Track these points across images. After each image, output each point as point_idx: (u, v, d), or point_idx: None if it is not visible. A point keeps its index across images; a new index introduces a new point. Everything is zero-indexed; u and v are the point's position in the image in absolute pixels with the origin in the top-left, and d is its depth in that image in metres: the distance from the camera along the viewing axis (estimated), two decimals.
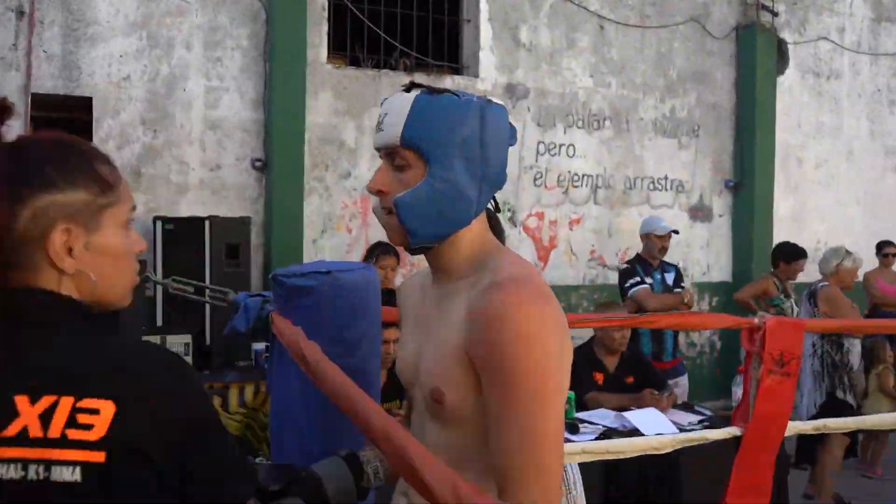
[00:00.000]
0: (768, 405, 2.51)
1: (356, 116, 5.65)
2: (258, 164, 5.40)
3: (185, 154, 5.26)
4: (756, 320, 2.60)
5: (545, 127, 6.20)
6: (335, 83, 5.61)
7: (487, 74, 6.01)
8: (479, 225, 1.20)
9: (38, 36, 4.88)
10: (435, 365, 1.16)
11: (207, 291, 2.88)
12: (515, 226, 6.12)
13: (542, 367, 1.06)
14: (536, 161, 6.19)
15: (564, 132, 6.27)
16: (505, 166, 1.19)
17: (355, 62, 5.85)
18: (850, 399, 4.61)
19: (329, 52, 5.66)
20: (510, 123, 1.20)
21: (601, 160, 6.42)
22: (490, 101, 1.19)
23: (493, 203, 1.23)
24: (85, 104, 5.03)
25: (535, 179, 6.19)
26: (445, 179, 1.14)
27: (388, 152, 1.17)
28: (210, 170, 5.33)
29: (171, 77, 5.20)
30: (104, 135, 5.06)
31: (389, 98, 1.20)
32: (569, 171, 6.30)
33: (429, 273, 1.31)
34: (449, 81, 5.91)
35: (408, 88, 1.18)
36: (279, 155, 5.32)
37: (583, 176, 6.35)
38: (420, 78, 5.82)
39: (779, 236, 6.95)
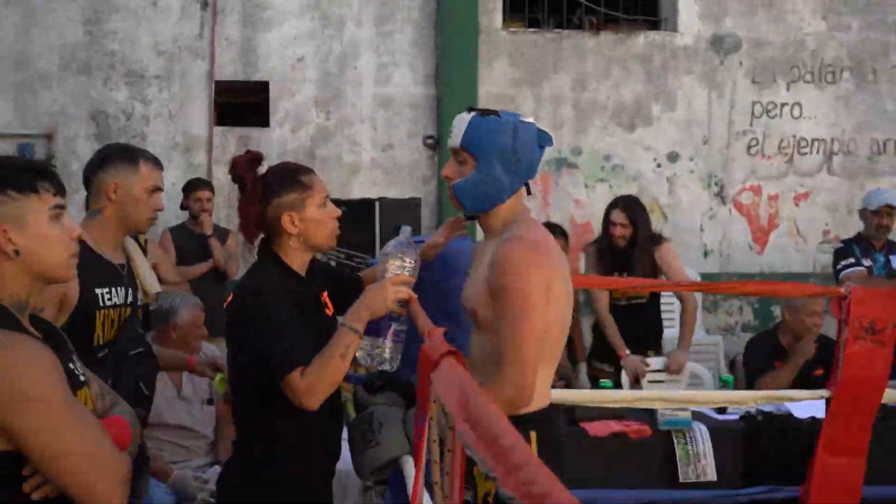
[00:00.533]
0: (857, 370, 2.56)
1: (535, 84, 5.16)
2: (430, 141, 5.15)
3: (356, 133, 5.15)
4: (843, 289, 2.63)
5: (762, 84, 5.21)
6: (511, 49, 5.16)
7: (688, 28, 5.18)
8: (512, 202, 1.76)
9: (219, 24, 5.03)
10: (474, 292, 1.75)
11: (354, 258, 4.28)
12: (725, 203, 5.23)
13: (524, 291, 1.61)
14: (751, 125, 5.23)
15: (788, 89, 5.22)
16: (534, 162, 1.76)
17: (534, 24, 5.35)
18: None
19: (505, 17, 5.23)
20: (543, 130, 1.76)
21: (837, 121, 5.27)
22: (522, 118, 1.75)
23: (526, 186, 1.78)
24: (262, 88, 5.11)
25: (748, 147, 5.23)
26: (487, 173, 1.72)
27: (454, 151, 1.77)
28: (381, 149, 5.17)
29: (343, 56, 5.11)
30: (280, 118, 5.10)
31: (459, 116, 1.76)
32: (793, 136, 5.25)
33: None
34: (642, 39, 5.18)
35: (469, 110, 1.76)
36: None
37: (812, 141, 5.26)
38: (608, 37, 5.17)
39: None
